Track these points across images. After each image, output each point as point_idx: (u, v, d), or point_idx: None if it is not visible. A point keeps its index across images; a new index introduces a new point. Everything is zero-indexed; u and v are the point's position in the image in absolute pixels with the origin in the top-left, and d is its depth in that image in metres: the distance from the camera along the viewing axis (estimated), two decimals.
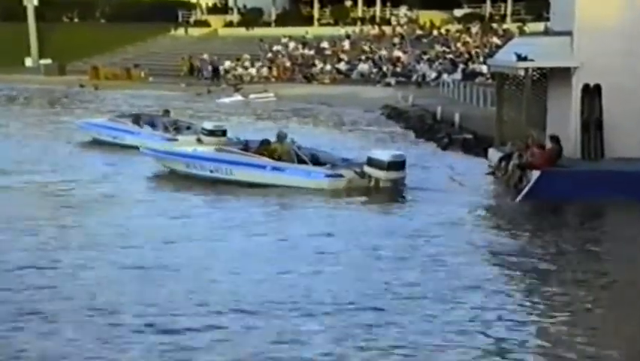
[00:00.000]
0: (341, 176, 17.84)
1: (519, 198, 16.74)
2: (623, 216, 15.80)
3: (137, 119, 26.00)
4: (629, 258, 13.23)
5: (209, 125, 23.89)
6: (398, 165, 17.78)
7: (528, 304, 10.76)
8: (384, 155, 18.01)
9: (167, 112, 26.36)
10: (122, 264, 12.32)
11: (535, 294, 11.16)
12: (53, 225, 14.80)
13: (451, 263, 12.43)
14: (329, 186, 17.69)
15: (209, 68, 50.20)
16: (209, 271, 12.01)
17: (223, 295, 10.82)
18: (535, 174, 16.76)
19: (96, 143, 25.70)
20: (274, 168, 18.09)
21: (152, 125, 25.22)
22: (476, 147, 22.92)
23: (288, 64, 49.25)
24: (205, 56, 51.89)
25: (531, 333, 9.81)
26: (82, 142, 26.09)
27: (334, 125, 31.86)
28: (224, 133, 23.15)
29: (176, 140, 23.40)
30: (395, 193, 17.66)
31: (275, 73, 48.49)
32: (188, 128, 24.95)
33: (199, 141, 22.60)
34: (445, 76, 41.07)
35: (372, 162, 17.72)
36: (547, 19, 23.30)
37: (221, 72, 49.04)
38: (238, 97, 41.67)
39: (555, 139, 17.26)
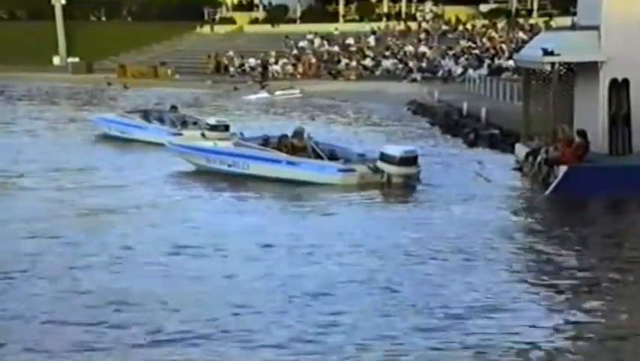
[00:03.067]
0: (353, 171, 17.94)
1: (547, 193, 16.70)
2: None
3: (146, 114, 26.81)
4: None
5: (212, 120, 24.83)
6: (410, 160, 17.78)
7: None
8: (396, 150, 18.03)
9: (174, 108, 27.03)
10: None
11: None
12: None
13: (484, 259, 12.47)
14: (341, 180, 17.83)
15: (237, 64, 50.39)
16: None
17: None
18: (562, 169, 16.70)
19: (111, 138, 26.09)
20: (289, 163, 18.34)
21: (161, 121, 25.86)
22: (503, 142, 22.85)
23: (313, 60, 49.32)
24: (231, 53, 52.10)
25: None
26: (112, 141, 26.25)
27: (360, 121, 31.89)
28: (227, 128, 23.95)
29: (181, 135, 24.07)
30: (406, 189, 17.58)
31: (300, 70, 48.58)
32: (195, 123, 25.53)
33: (203, 135, 23.28)
34: (470, 71, 40.93)
35: (384, 157, 17.76)
36: (574, 14, 23.17)
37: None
38: (264, 94, 41.79)
39: (582, 134, 17.16)
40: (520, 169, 19.08)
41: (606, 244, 13.76)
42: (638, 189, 16.05)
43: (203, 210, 16.18)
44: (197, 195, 17.67)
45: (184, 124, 25.37)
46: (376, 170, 17.77)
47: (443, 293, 10.84)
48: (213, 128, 23.77)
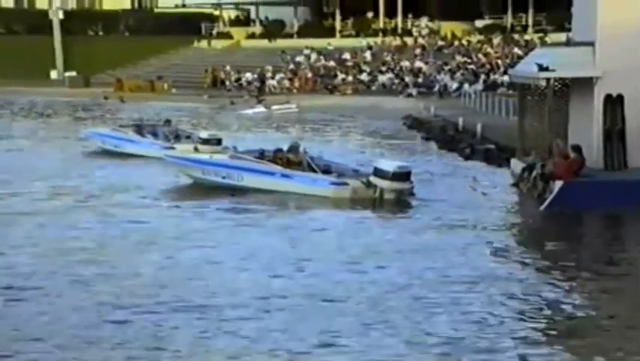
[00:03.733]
0: (346, 185, 18.03)
1: (542, 208, 16.73)
2: None
3: (139, 128, 26.86)
4: None
5: (204, 134, 25.08)
6: (403, 175, 17.83)
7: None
8: (389, 165, 18.12)
9: (168, 122, 27.17)
10: None
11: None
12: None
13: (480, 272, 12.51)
14: (333, 194, 17.98)
15: (234, 78, 50.50)
16: None
17: None
18: (558, 184, 16.73)
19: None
20: (283, 175, 18.53)
21: (154, 135, 25.97)
22: (498, 157, 22.92)
23: (309, 75, 49.42)
24: (227, 68, 52.21)
25: None
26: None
27: (356, 135, 31.95)
28: (219, 142, 24.06)
29: (173, 148, 24.12)
30: (398, 204, 17.60)
31: (297, 84, 48.67)
32: (188, 137, 25.67)
33: (196, 149, 23.38)
34: (466, 86, 41.06)
35: (377, 172, 17.84)
36: (569, 30, 23.25)
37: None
38: (261, 108, 41.82)
39: (577, 149, 17.21)
40: (517, 185, 19.10)
41: (600, 259, 13.80)
42: (634, 204, 16.10)
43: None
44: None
45: (177, 138, 25.50)
46: (369, 185, 17.83)
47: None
48: (206, 141, 23.91)
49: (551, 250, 14.24)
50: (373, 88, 46.09)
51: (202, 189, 19.38)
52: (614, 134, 17.82)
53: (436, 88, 43.41)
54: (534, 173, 17.69)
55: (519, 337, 9.89)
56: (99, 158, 25.52)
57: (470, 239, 14.63)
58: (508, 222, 16.56)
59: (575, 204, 16.40)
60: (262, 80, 49.12)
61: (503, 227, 16.03)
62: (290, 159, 18.81)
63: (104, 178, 21.50)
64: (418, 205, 17.68)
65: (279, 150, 19.21)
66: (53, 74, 59.25)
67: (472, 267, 12.77)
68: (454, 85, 43.08)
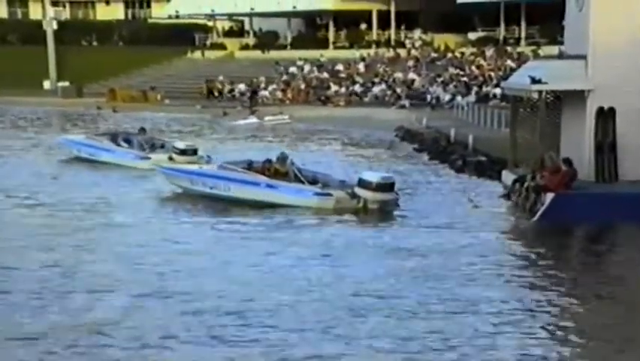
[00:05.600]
0: (329, 195, 18.05)
1: (534, 220, 16.66)
2: (634, 236, 15.71)
3: (114, 137, 26.71)
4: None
5: (181, 144, 24.90)
6: (386, 186, 17.90)
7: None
8: (373, 176, 18.20)
9: (143, 130, 27.01)
10: None
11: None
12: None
13: (471, 284, 12.41)
14: (317, 204, 17.99)
15: (227, 89, 50.43)
16: None
17: None
18: (549, 196, 16.67)
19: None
20: (268, 186, 18.55)
21: (129, 143, 25.72)
22: (490, 169, 22.82)
23: (303, 86, 49.37)
24: (221, 78, 52.15)
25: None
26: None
27: (348, 146, 31.84)
28: (195, 152, 24.07)
29: (149, 158, 24.04)
30: (382, 214, 17.55)
31: (290, 95, 48.60)
32: (162, 146, 25.54)
33: (170, 159, 23.39)
34: (459, 98, 41.02)
35: (361, 183, 17.89)
36: (562, 43, 23.23)
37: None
38: (253, 119, 41.74)
39: (568, 162, 17.17)
40: (507, 196, 19.03)
41: (589, 271, 13.71)
42: (624, 216, 16.04)
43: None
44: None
45: (152, 147, 25.31)
46: (354, 195, 17.86)
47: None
48: (182, 152, 23.87)
49: (541, 260, 14.14)
50: (366, 99, 46.03)
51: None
52: (606, 146, 17.77)
53: (429, 100, 43.38)
54: (525, 184, 17.63)
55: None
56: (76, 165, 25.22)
57: (454, 251, 14.53)
58: (497, 233, 16.44)
59: (566, 217, 16.36)
60: (255, 91, 49.06)
61: (492, 238, 15.92)
62: (277, 170, 18.86)
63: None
64: (406, 216, 17.57)
65: (268, 161, 19.24)
66: (46, 84, 59.15)
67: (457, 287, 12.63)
68: (447, 97, 43.04)
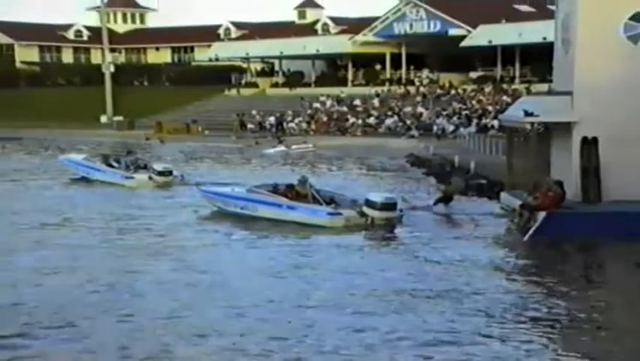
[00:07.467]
0: (340, 214, 18.12)
1: (527, 236, 16.60)
2: (616, 250, 15.61)
3: (105, 158, 26.94)
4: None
5: (159, 166, 25.47)
6: (390, 205, 18.05)
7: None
8: (378, 197, 18.31)
9: (130, 152, 27.14)
10: None
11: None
12: None
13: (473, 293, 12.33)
14: (329, 223, 18.09)
15: (258, 121, 50.73)
16: None
17: None
18: (541, 215, 16.63)
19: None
20: (288, 207, 18.68)
21: (119, 163, 25.98)
22: (489, 190, 22.78)
23: (325, 119, 49.55)
24: (254, 112, 52.47)
25: None
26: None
27: (364, 171, 31.90)
28: (170, 173, 24.84)
29: (132, 178, 24.19)
30: (387, 230, 17.66)
31: (314, 127, 48.79)
32: (144, 167, 25.69)
33: (150, 178, 24.00)
34: (461, 129, 40.99)
35: (368, 203, 17.98)
36: (551, 81, 23.24)
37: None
38: (282, 148, 41.92)
39: (559, 184, 17.12)
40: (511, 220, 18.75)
41: (577, 283, 13.63)
42: (607, 232, 15.98)
43: None
44: None
45: (137, 168, 25.46)
46: (362, 214, 17.95)
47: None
48: (160, 173, 24.52)
49: (535, 272, 14.08)
50: (380, 130, 46.10)
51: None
52: (590, 171, 17.70)
53: (435, 130, 43.35)
54: (517, 204, 17.52)
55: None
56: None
57: (449, 264, 14.49)
58: (495, 247, 16.40)
59: (556, 233, 16.28)
60: (281, 122, 49.31)
61: (490, 251, 15.86)
62: (298, 192, 18.99)
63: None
64: (411, 233, 17.56)
65: (291, 185, 19.40)
66: (103, 119, 59.82)
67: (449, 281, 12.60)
68: (451, 128, 43.01)
